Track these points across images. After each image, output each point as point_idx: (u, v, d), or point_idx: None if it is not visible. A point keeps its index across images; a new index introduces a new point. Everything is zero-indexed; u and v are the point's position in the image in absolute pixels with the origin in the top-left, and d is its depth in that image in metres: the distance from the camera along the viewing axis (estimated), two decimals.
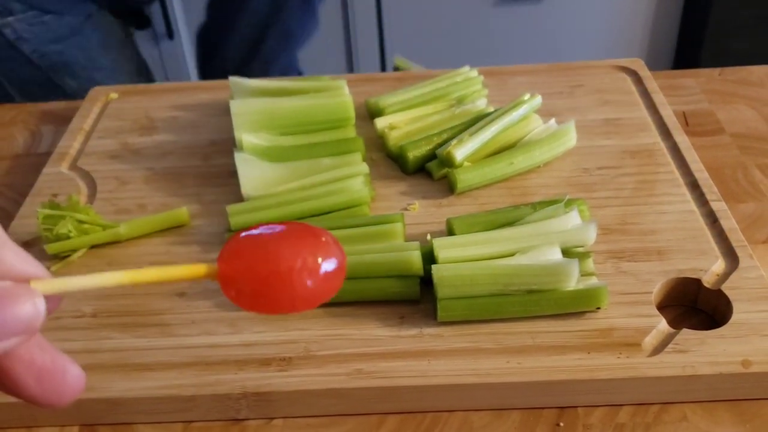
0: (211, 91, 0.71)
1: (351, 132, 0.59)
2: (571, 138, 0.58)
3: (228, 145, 0.63)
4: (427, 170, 0.58)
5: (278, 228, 0.28)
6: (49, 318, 0.48)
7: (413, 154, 0.57)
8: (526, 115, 0.59)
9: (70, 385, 0.26)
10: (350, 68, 1.71)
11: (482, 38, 1.61)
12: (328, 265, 0.27)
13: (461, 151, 0.55)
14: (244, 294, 0.27)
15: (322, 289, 0.27)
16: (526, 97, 0.59)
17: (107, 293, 0.49)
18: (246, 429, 0.43)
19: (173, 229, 0.54)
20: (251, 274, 0.27)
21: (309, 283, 0.27)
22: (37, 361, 0.25)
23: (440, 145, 0.58)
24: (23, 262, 0.25)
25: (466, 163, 0.56)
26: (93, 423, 0.44)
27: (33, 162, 0.65)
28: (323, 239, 0.28)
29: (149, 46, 1.53)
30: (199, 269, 0.27)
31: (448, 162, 0.56)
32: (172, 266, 0.27)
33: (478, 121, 0.59)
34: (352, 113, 0.59)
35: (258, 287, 0.27)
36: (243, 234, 0.28)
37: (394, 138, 0.60)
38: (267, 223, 0.28)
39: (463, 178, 0.55)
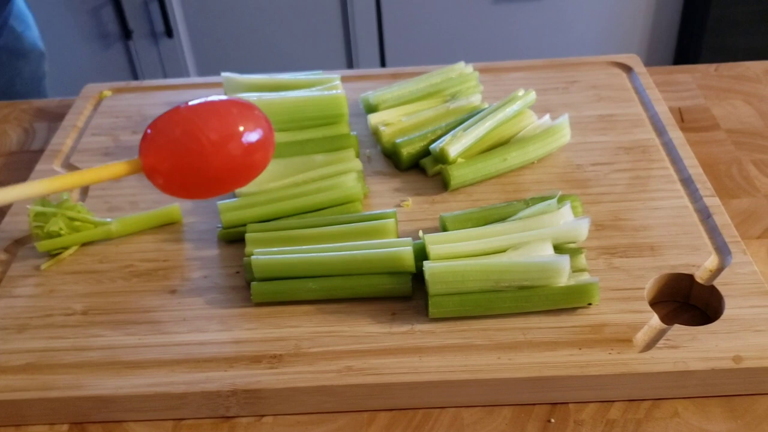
0: (203, 87, 0.71)
1: (345, 128, 0.59)
2: (565, 134, 0.58)
3: None
4: (420, 167, 0.58)
5: (196, 104, 0.27)
6: (39, 315, 0.48)
7: (407, 150, 0.57)
8: (520, 111, 0.58)
9: None
10: (349, 64, 1.70)
11: (480, 34, 1.60)
12: (251, 136, 0.26)
13: (455, 148, 0.55)
14: (171, 181, 0.26)
15: (247, 162, 0.27)
16: (521, 93, 0.59)
17: (98, 291, 0.49)
18: (236, 426, 0.43)
19: (165, 226, 0.54)
20: (173, 160, 0.26)
21: (232, 155, 0.26)
22: None
23: (434, 141, 0.58)
24: None
25: (459, 160, 0.56)
26: (83, 421, 0.43)
27: (26, 159, 0.65)
28: (246, 111, 0.27)
29: (148, 44, 1.53)
30: (121, 167, 0.26)
31: (442, 158, 0.56)
32: (97, 168, 0.26)
33: (471, 117, 0.59)
34: (345, 109, 0.59)
35: (181, 170, 0.26)
36: (160, 118, 0.27)
37: (387, 135, 0.59)
38: (184, 104, 0.27)
39: (457, 174, 0.55)
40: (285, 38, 1.66)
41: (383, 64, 1.69)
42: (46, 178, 0.25)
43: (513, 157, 0.56)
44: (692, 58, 1.62)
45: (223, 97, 0.27)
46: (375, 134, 0.61)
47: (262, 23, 1.63)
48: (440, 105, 0.62)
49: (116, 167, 0.26)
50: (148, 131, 0.27)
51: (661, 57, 1.70)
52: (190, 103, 0.27)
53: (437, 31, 1.60)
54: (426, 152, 0.58)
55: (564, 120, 0.58)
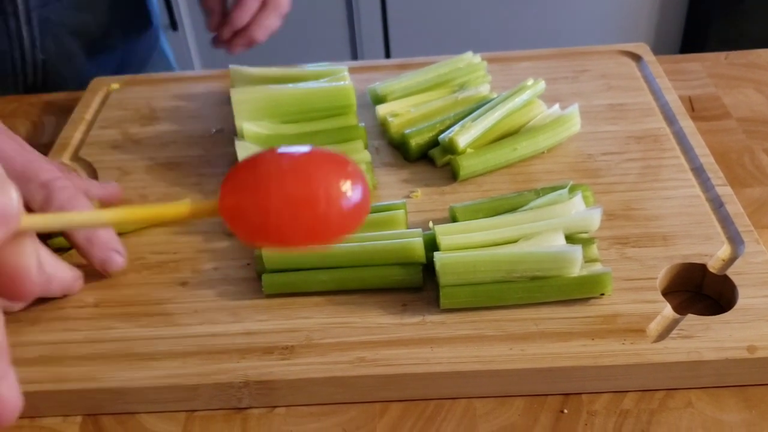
0: (212, 80, 0.70)
1: (353, 119, 0.59)
2: (575, 123, 0.57)
3: (229, 134, 0.62)
4: (429, 157, 0.58)
5: (291, 152, 0.25)
6: (51, 308, 0.48)
7: (415, 141, 0.57)
8: (530, 101, 0.58)
9: None
10: (354, 55, 1.70)
11: (487, 24, 1.59)
12: (352, 195, 0.24)
13: (464, 138, 0.55)
14: (250, 228, 0.24)
15: (344, 222, 0.24)
16: (530, 82, 0.59)
17: (110, 283, 0.49)
18: (249, 418, 0.43)
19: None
20: (258, 207, 0.23)
21: (331, 215, 0.23)
22: None
23: (443, 131, 0.57)
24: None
25: (469, 150, 0.56)
26: (96, 413, 0.44)
27: None
28: (345, 164, 0.24)
29: None
30: (198, 207, 0.25)
31: (451, 149, 0.55)
32: (163, 205, 0.25)
33: (481, 107, 0.58)
34: (353, 100, 0.59)
35: (266, 220, 0.23)
36: (248, 160, 0.24)
37: (395, 125, 0.59)
38: (275, 149, 0.25)
39: (466, 164, 0.54)
40: (289, 30, 1.65)
41: (388, 55, 1.69)
42: (111, 208, 0.24)
43: (523, 147, 0.55)
44: (699, 47, 1.61)
45: (320, 150, 0.25)
46: (383, 125, 0.61)
47: None
48: (449, 95, 0.62)
49: (195, 207, 0.25)
50: (231, 176, 0.25)
51: (669, 45, 1.69)
52: (281, 152, 0.25)
53: (442, 21, 1.60)
54: (435, 143, 0.58)
55: (574, 109, 0.57)
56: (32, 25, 0.73)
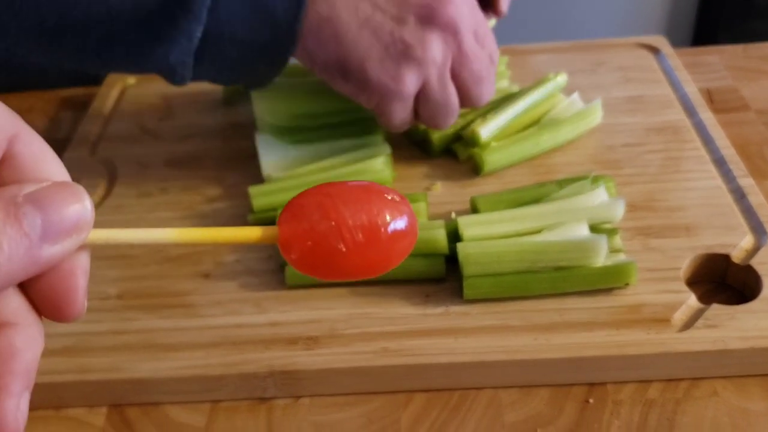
0: None
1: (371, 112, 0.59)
2: (597, 117, 0.57)
3: (247, 127, 0.62)
4: (451, 151, 0.58)
5: (346, 186, 0.26)
6: None
7: (438, 135, 0.57)
8: (553, 94, 0.58)
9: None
10: None
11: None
12: (397, 224, 0.25)
13: (486, 130, 0.55)
14: (306, 258, 0.25)
15: (391, 252, 0.25)
16: (551, 75, 0.59)
17: (132, 275, 0.49)
18: (273, 408, 0.43)
19: (194, 211, 0.54)
20: (314, 236, 0.24)
21: (383, 250, 0.24)
22: None
23: (465, 126, 0.57)
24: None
25: (492, 144, 0.55)
26: (121, 403, 0.44)
27: (53, 148, 0.64)
28: (391, 197, 0.25)
29: None
30: (255, 232, 0.25)
31: (473, 141, 0.55)
32: (226, 228, 0.25)
33: (502, 100, 0.58)
34: None
35: (321, 250, 0.24)
36: (304, 193, 0.25)
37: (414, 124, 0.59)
38: (327, 184, 0.26)
39: (490, 160, 0.54)
40: None
41: None
42: (177, 228, 0.25)
43: (545, 141, 0.55)
44: (711, 39, 1.60)
45: (381, 186, 0.26)
46: None
47: None
48: None
49: (252, 231, 0.26)
50: (291, 203, 0.26)
51: (680, 38, 1.68)
52: (337, 183, 0.26)
53: None
54: (457, 137, 0.57)
55: (597, 103, 0.57)
56: None
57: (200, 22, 0.44)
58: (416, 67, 0.48)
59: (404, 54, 0.47)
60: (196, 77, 0.48)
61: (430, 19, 0.47)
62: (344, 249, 0.24)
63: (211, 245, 0.26)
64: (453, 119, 0.52)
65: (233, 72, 0.49)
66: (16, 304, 0.23)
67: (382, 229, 0.25)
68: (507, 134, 0.57)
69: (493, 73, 0.52)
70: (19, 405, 0.22)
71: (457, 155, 0.57)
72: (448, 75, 0.49)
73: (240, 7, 0.45)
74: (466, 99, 0.51)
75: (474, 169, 0.56)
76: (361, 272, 0.25)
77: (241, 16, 0.45)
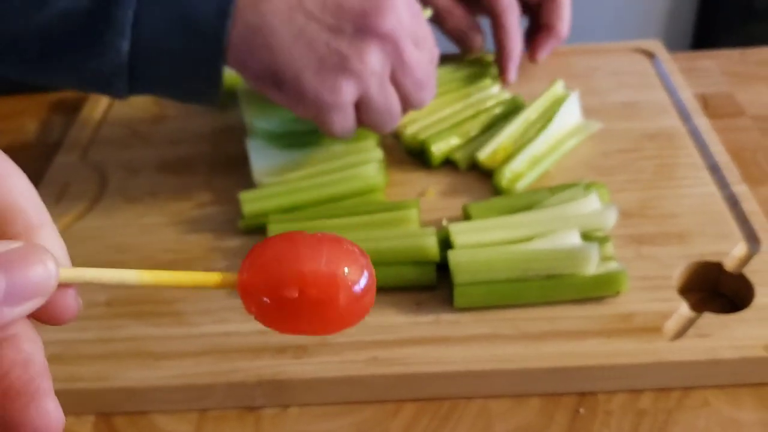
0: None
1: None
2: (592, 128, 0.57)
3: (239, 132, 0.62)
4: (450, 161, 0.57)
5: (306, 237, 0.25)
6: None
7: (438, 148, 0.56)
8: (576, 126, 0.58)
9: (33, 421, 0.22)
10: None
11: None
12: (363, 281, 0.24)
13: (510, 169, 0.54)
14: (266, 310, 0.25)
15: (355, 308, 0.25)
16: (559, 88, 0.58)
17: None
18: (262, 417, 0.42)
19: (184, 217, 0.54)
20: (276, 290, 0.24)
21: (343, 299, 0.24)
22: (10, 375, 0.23)
23: (464, 137, 0.57)
24: (51, 240, 0.24)
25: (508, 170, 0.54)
26: (109, 412, 0.43)
27: (44, 152, 0.65)
28: (354, 251, 0.25)
29: None
30: (215, 278, 0.25)
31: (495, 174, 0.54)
32: (190, 272, 0.25)
33: (505, 114, 0.58)
34: None
35: (282, 309, 0.24)
36: (269, 241, 0.25)
37: (411, 134, 0.58)
38: (293, 232, 0.25)
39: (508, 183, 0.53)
40: None
41: None
42: (141, 270, 0.25)
43: (551, 158, 0.55)
44: (711, 44, 1.60)
45: (344, 240, 0.26)
46: (398, 135, 0.59)
47: None
48: (463, 99, 0.61)
49: (212, 277, 0.25)
50: (253, 252, 0.25)
51: (680, 42, 1.68)
52: (302, 236, 0.25)
53: None
54: (456, 148, 0.57)
55: (596, 124, 0.57)
56: None
57: (125, 37, 0.45)
58: (354, 79, 0.47)
59: (341, 66, 0.46)
60: (134, 91, 0.48)
61: (367, 29, 0.46)
62: (300, 302, 0.24)
63: (173, 287, 0.26)
64: (396, 123, 0.51)
65: (170, 86, 0.49)
66: None
67: (342, 287, 0.24)
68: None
69: (433, 74, 0.52)
70: (56, 403, 0.23)
71: (458, 166, 0.56)
72: (388, 83, 0.48)
73: (165, 21, 0.45)
74: (407, 104, 0.51)
75: (466, 174, 0.55)
76: (318, 328, 0.25)
77: (166, 30, 0.45)
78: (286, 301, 0.24)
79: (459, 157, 0.56)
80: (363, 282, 0.25)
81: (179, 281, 0.25)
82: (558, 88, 0.59)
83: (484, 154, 0.55)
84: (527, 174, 0.53)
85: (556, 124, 0.56)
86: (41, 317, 0.24)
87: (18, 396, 0.22)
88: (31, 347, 0.23)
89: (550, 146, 0.55)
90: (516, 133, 0.56)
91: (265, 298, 0.24)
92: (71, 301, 0.24)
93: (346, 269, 0.24)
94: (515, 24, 0.60)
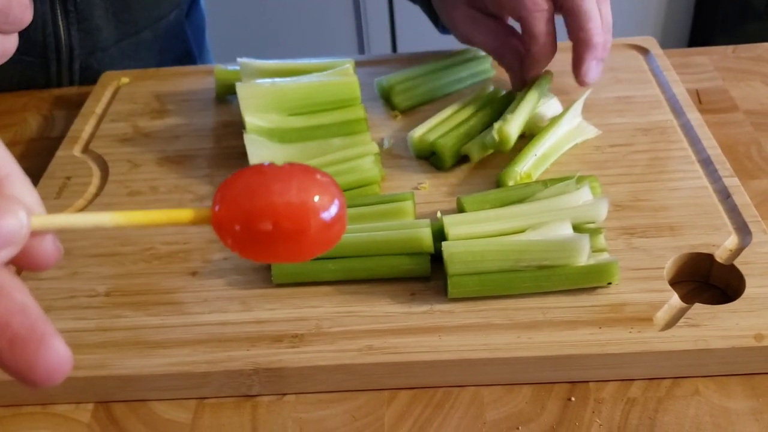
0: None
1: (360, 112, 0.59)
2: (591, 132, 0.57)
3: (239, 126, 0.63)
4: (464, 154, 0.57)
5: (277, 168, 0.26)
6: (62, 297, 0.48)
7: (450, 149, 0.56)
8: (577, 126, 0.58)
9: (46, 361, 0.23)
10: (361, 49, 1.70)
11: None
12: (333, 208, 0.25)
13: (513, 128, 0.54)
14: (241, 240, 0.25)
15: (327, 235, 0.25)
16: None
17: (120, 273, 0.50)
18: (258, 405, 0.43)
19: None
20: (249, 219, 0.24)
21: (314, 226, 0.25)
22: (12, 324, 0.23)
23: (472, 135, 0.57)
24: (22, 188, 0.24)
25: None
26: (107, 400, 0.44)
27: (46, 146, 0.65)
28: (324, 180, 0.26)
29: None
30: (187, 213, 0.26)
31: (502, 143, 0.54)
32: (163, 210, 0.26)
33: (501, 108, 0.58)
34: (357, 93, 0.59)
35: (257, 233, 0.25)
36: (240, 174, 0.26)
37: (418, 137, 0.58)
38: (262, 163, 0.26)
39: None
40: (295, 23, 1.66)
41: (395, 49, 1.69)
42: (113, 212, 0.25)
43: (542, 151, 0.55)
44: (706, 40, 1.60)
45: (314, 169, 0.26)
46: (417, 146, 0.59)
47: (272, 8, 1.63)
48: (460, 100, 0.61)
49: (185, 213, 0.26)
50: (225, 185, 0.26)
51: (676, 39, 1.69)
52: (272, 167, 0.26)
53: None
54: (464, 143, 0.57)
55: (594, 130, 0.58)
56: (73, 70, 0.75)
57: None
58: None
59: None
60: None
61: None
62: (274, 234, 0.25)
63: (147, 227, 0.26)
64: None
65: None
66: None
67: (313, 216, 0.25)
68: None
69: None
70: (62, 341, 0.24)
71: (471, 159, 0.56)
72: None
73: None
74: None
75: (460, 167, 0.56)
76: (291, 256, 0.26)
77: None
78: (261, 234, 0.25)
79: (472, 149, 0.56)
80: (334, 210, 0.25)
81: (153, 220, 0.26)
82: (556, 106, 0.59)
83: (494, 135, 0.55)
84: (534, 174, 0.54)
85: (563, 126, 0.56)
86: (23, 264, 0.25)
87: (26, 343, 0.23)
88: (22, 297, 0.24)
89: (553, 146, 0.56)
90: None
91: (239, 231, 0.25)
92: (50, 247, 0.25)
93: (317, 198, 0.25)
94: (540, 28, 0.56)
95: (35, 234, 0.24)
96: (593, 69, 0.56)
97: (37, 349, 0.23)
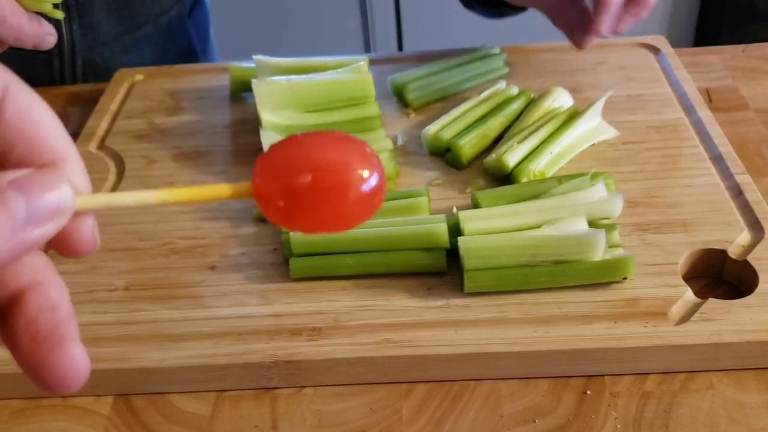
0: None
1: (373, 109, 0.59)
2: (610, 133, 0.58)
3: (254, 123, 0.63)
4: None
5: (312, 134, 0.25)
6: (82, 291, 0.49)
7: (469, 150, 0.56)
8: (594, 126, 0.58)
9: (60, 364, 0.23)
10: (367, 47, 1.70)
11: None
12: (373, 180, 0.25)
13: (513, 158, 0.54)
14: (283, 208, 0.25)
15: (366, 206, 0.25)
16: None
17: (139, 267, 0.50)
18: (277, 397, 0.44)
19: (201, 206, 0.55)
20: (292, 190, 0.24)
21: (355, 198, 0.24)
22: (38, 321, 0.23)
23: (492, 137, 0.58)
24: (74, 170, 0.24)
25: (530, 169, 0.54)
26: (127, 393, 0.45)
27: None
28: (367, 151, 0.25)
29: None
30: (226, 189, 0.25)
31: (500, 168, 0.54)
32: (205, 185, 0.25)
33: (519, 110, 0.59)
34: (372, 90, 0.59)
35: (299, 203, 0.24)
36: (275, 146, 0.25)
37: (433, 134, 0.58)
38: (301, 133, 0.26)
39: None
40: (301, 21, 1.66)
41: (401, 47, 1.69)
42: (154, 190, 0.26)
43: (558, 150, 0.56)
44: (712, 40, 1.61)
45: (356, 139, 0.27)
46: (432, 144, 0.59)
47: (277, 4, 1.63)
48: (474, 98, 0.62)
49: (223, 189, 0.26)
50: (263, 157, 0.26)
51: (682, 38, 1.69)
52: (308, 134, 0.26)
53: (457, 13, 1.59)
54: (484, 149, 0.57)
55: (612, 130, 0.58)
56: (76, 65, 0.76)
57: None
58: None
59: None
60: None
61: None
62: (313, 191, 0.24)
63: (187, 203, 0.27)
64: None
65: None
66: (38, 263, 0.24)
67: (353, 172, 0.25)
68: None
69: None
70: (82, 349, 0.23)
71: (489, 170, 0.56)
72: None
73: None
74: None
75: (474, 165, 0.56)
76: (333, 222, 0.25)
77: None
78: (301, 191, 0.24)
79: (491, 164, 0.55)
80: (373, 169, 0.25)
81: (196, 195, 0.26)
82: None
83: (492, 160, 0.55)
84: (549, 172, 0.54)
85: (581, 125, 0.57)
86: (61, 248, 0.25)
87: (45, 341, 0.23)
88: (57, 295, 0.24)
89: (570, 145, 0.56)
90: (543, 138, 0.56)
91: (279, 196, 0.25)
92: (88, 233, 0.25)
93: (356, 157, 0.25)
94: None
95: (78, 214, 0.24)
96: (605, 22, 0.56)
97: (53, 349, 0.23)
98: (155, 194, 0.25)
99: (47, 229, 0.22)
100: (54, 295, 0.24)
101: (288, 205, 0.25)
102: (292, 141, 0.26)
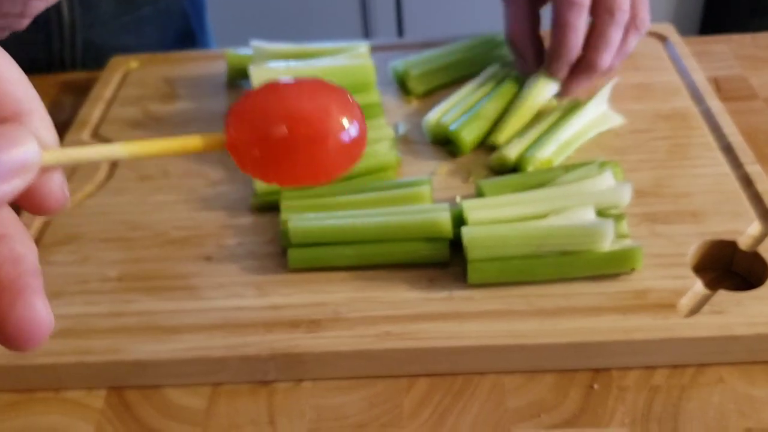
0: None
1: (375, 96, 0.58)
2: (616, 120, 0.56)
3: None
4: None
5: (295, 84, 0.24)
6: (74, 282, 0.47)
7: (469, 138, 0.55)
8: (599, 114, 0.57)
9: (19, 316, 0.22)
10: (365, 32, 1.68)
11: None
12: (353, 129, 0.24)
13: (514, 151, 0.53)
14: (259, 162, 0.23)
15: (345, 157, 0.24)
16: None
17: (132, 258, 0.49)
18: (275, 391, 0.42)
19: (197, 195, 0.54)
20: (267, 139, 0.23)
21: (334, 148, 0.23)
22: (0, 270, 0.22)
23: (490, 124, 0.56)
24: (39, 124, 0.24)
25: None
26: (121, 386, 0.43)
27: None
28: (347, 99, 0.24)
29: None
30: (197, 141, 0.24)
31: (503, 163, 0.53)
32: (174, 138, 0.24)
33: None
34: (372, 77, 0.58)
35: (275, 153, 0.23)
36: (249, 94, 0.24)
37: (434, 121, 0.57)
38: (277, 81, 0.24)
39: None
40: (298, 5, 1.65)
41: (401, 32, 1.67)
42: (123, 143, 0.24)
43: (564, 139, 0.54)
44: (717, 28, 1.59)
45: (336, 87, 0.25)
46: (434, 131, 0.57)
47: None
48: (475, 83, 0.60)
49: (195, 140, 0.25)
50: (236, 106, 0.25)
51: (687, 26, 1.67)
52: (284, 82, 0.25)
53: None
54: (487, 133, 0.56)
55: (618, 118, 0.57)
56: (75, 46, 0.74)
57: None
58: None
59: None
60: None
61: None
62: (290, 141, 0.23)
63: (157, 156, 0.25)
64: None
65: None
66: (4, 217, 0.24)
67: (329, 115, 0.23)
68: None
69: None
70: (45, 303, 0.23)
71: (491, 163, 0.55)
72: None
73: None
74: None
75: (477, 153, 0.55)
76: (312, 171, 0.24)
77: None
78: (277, 142, 0.23)
79: (494, 162, 0.54)
80: (352, 116, 0.24)
81: (165, 148, 0.24)
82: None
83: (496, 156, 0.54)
84: (555, 161, 0.53)
85: (587, 113, 0.55)
86: (28, 205, 0.24)
87: (5, 291, 0.22)
88: (23, 249, 0.23)
89: (576, 133, 0.55)
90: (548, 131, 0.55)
91: (254, 145, 0.23)
92: (57, 188, 0.24)
93: (336, 105, 0.24)
94: (572, 21, 0.54)
95: (45, 169, 0.23)
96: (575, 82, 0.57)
97: (14, 301, 0.22)
98: (125, 147, 0.24)
99: (13, 186, 0.22)
100: (19, 248, 0.23)
101: (264, 156, 0.23)
102: (269, 88, 0.24)
